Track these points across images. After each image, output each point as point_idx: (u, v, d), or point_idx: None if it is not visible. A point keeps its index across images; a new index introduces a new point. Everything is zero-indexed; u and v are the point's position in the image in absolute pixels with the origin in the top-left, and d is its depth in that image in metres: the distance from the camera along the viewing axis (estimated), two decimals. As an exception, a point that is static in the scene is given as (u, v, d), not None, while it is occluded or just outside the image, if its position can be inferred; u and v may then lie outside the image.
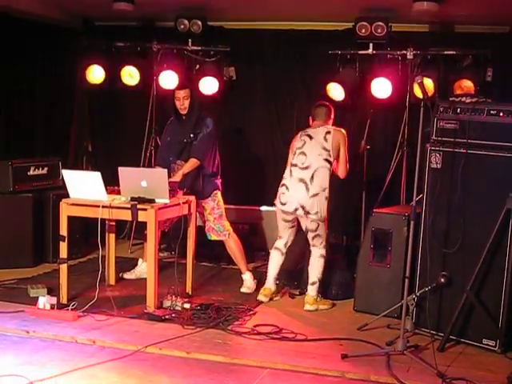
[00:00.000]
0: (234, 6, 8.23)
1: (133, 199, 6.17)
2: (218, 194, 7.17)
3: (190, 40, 8.79)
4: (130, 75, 8.91)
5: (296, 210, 6.51)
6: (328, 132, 6.63)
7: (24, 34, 8.41)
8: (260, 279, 7.30)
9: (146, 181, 6.18)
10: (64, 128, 9.50)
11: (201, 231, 7.29)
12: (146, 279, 6.32)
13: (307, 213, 6.47)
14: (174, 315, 6.11)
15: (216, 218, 7.14)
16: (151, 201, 6.16)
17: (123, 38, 8.98)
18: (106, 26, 9.36)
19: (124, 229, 9.10)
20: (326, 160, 6.56)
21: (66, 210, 6.33)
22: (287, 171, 6.68)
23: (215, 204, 7.13)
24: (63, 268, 6.43)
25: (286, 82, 8.93)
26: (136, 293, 6.76)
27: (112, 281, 7.15)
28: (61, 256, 6.41)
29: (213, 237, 7.20)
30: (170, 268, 6.98)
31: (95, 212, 6.15)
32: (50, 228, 7.83)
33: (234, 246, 7.22)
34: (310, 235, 6.68)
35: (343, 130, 6.72)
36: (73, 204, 6.32)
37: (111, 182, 6.43)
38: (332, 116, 6.86)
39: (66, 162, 8.88)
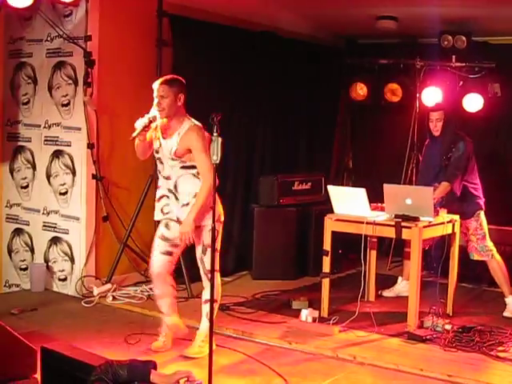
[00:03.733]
0: (499, 21, 8.00)
1: (397, 216, 6.17)
2: (481, 213, 6.97)
3: (453, 56, 8.65)
4: (393, 92, 8.97)
5: None
6: None
7: (289, 51, 8.73)
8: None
9: (410, 198, 6.16)
10: (326, 143, 9.72)
11: (462, 251, 7.13)
12: (405, 297, 6.31)
13: None
14: (434, 336, 6.00)
15: (479, 239, 6.95)
16: (415, 218, 6.13)
17: (386, 56, 9.05)
18: (368, 44, 9.48)
19: (382, 245, 9.11)
20: None
21: (330, 226, 6.45)
22: None
23: (478, 224, 6.94)
24: (325, 282, 6.55)
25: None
26: (395, 311, 6.72)
27: (372, 297, 7.18)
28: (324, 270, 6.55)
29: (475, 257, 7.01)
30: (429, 287, 6.87)
31: (359, 228, 6.22)
32: (311, 242, 8.00)
33: (497, 268, 6.96)
34: None
35: None
36: (337, 219, 6.43)
37: (370, 198, 6.46)
38: None
39: (328, 177, 9.07)
